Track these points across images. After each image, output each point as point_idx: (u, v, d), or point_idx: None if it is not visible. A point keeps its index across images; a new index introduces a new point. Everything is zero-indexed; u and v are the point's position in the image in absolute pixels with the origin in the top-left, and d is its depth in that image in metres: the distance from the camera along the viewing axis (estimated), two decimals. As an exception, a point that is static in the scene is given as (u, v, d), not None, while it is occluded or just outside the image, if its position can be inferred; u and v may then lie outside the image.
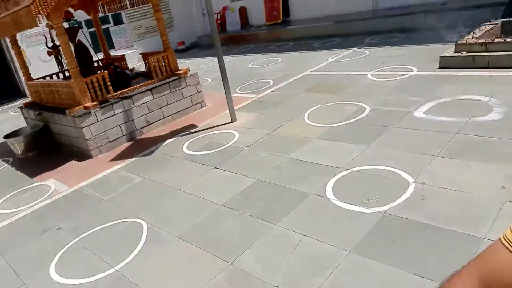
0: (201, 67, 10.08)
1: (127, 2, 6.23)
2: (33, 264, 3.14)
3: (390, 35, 8.33)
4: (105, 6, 7.03)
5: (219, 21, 13.89)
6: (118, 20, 13.69)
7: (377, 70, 6.10)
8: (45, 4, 4.43)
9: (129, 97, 5.59)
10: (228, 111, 5.35)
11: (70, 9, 6.66)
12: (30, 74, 6.62)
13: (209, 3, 4.83)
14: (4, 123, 8.70)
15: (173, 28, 14.34)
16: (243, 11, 13.42)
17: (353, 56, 7.38)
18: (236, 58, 10.27)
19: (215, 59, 5.15)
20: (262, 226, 2.93)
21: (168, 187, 3.93)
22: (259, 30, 12.44)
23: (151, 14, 13.03)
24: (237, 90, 6.86)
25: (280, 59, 8.77)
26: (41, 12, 4.45)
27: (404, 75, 5.53)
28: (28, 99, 7.40)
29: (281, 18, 12.21)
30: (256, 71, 8.16)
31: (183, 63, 10.97)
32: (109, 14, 12.49)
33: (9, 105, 10.94)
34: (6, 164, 5.84)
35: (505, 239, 0.66)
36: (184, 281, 2.57)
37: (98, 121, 5.28)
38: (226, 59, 10.20)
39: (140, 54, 6.95)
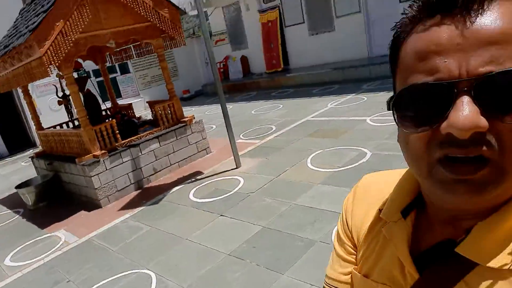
0: (206, 114, 10.40)
1: (133, 52, 6.60)
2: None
3: (385, 81, 8.66)
4: (112, 56, 7.44)
5: (222, 70, 14.48)
6: (124, 70, 14.29)
7: (375, 115, 6.31)
8: (57, 55, 4.70)
9: (137, 145, 5.77)
10: (232, 157, 5.50)
11: (80, 60, 7.05)
12: (41, 123, 6.87)
13: (211, 54, 5.15)
14: (14, 174, 8.86)
15: (178, 76, 14.92)
16: (244, 60, 14.02)
17: (352, 102, 7.65)
18: (239, 105, 10.61)
19: (220, 106, 5.37)
20: (270, 276, 2.95)
21: (175, 236, 3.98)
22: (261, 77, 12.92)
23: (156, 63, 13.62)
24: (241, 136, 7.06)
25: (281, 106, 9.07)
26: (52, 63, 4.71)
27: (402, 119, 5.72)
28: (39, 149, 7.60)
29: (281, 66, 12.73)
30: (258, 117, 8.43)
31: (188, 111, 11.33)
32: (116, 64, 13.10)
33: (19, 156, 11.18)
34: (17, 215, 5.92)
35: (326, 284, 0.70)
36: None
37: (106, 169, 5.42)
38: (230, 106, 10.53)
39: (146, 102, 7.24)
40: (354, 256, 0.66)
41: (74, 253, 4.19)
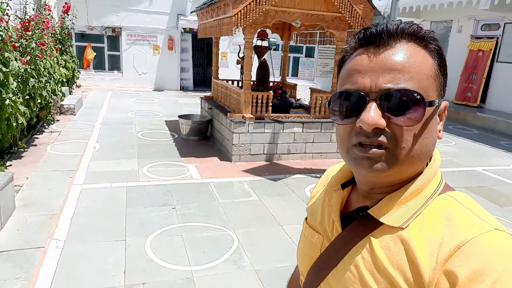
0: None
1: (317, 39, 6.61)
2: (140, 227, 3.59)
3: None
4: (298, 36, 7.62)
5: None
6: (310, 53, 14.69)
7: None
8: (245, 18, 5.12)
9: (282, 122, 5.89)
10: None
11: (268, 30, 7.48)
12: (218, 73, 7.69)
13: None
14: (188, 106, 10.40)
15: (356, 74, 14.54)
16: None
17: (547, 173, 6.00)
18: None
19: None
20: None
21: (274, 218, 3.94)
22: (444, 105, 11.43)
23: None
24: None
25: (453, 143, 7.86)
26: (239, 24, 5.14)
27: None
28: (210, 93, 8.58)
29: (477, 102, 10.95)
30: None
31: (350, 110, 10.97)
32: (304, 46, 13.54)
33: (200, 93, 12.95)
34: (171, 138, 6.91)
35: None
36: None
37: (248, 132, 5.73)
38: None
39: (309, 88, 7.28)
40: None
41: (190, 188, 4.63)
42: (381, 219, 0.65)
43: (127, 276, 2.85)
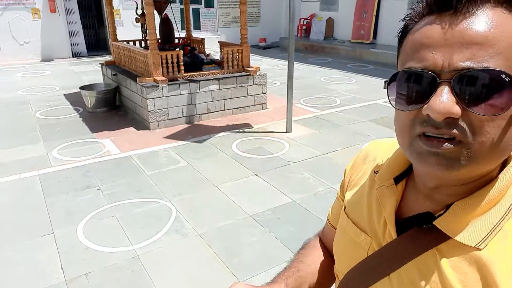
0: (274, 68, 10.08)
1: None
2: (66, 216, 3.32)
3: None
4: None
5: (304, 27, 13.81)
6: (209, 3, 14.14)
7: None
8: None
9: (197, 81, 5.72)
10: (285, 120, 5.28)
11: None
12: (116, 34, 7.02)
13: (292, 9, 4.76)
14: (86, 74, 9.42)
15: (259, 23, 14.51)
16: (330, 22, 13.21)
17: (432, 98, 6.92)
18: (310, 68, 10.13)
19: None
20: (284, 252, 2.83)
21: (207, 180, 3.96)
22: (342, 45, 12.15)
23: (242, 4, 13.27)
24: (301, 101, 6.76)
25: (354, 80, 8.50)
26: None
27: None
28: (111, 58, 7.85)
29: (370, 39, 11.83)
30: (326, 86, 7.98)
31: (258, 60, 11.08)
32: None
33: (96, 58, 11.77)
34: (76, 113, 6.28)
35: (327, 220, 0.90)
36: (189, 283, 2.56)
37: (163, 96, 5.47)
38: (300, 66, 10.11)
39: (218, 42, 7.08)
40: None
41: (112, 165, 4.35)
42: (453, 236, 0.54)
43: (65, 270, 2.67)
